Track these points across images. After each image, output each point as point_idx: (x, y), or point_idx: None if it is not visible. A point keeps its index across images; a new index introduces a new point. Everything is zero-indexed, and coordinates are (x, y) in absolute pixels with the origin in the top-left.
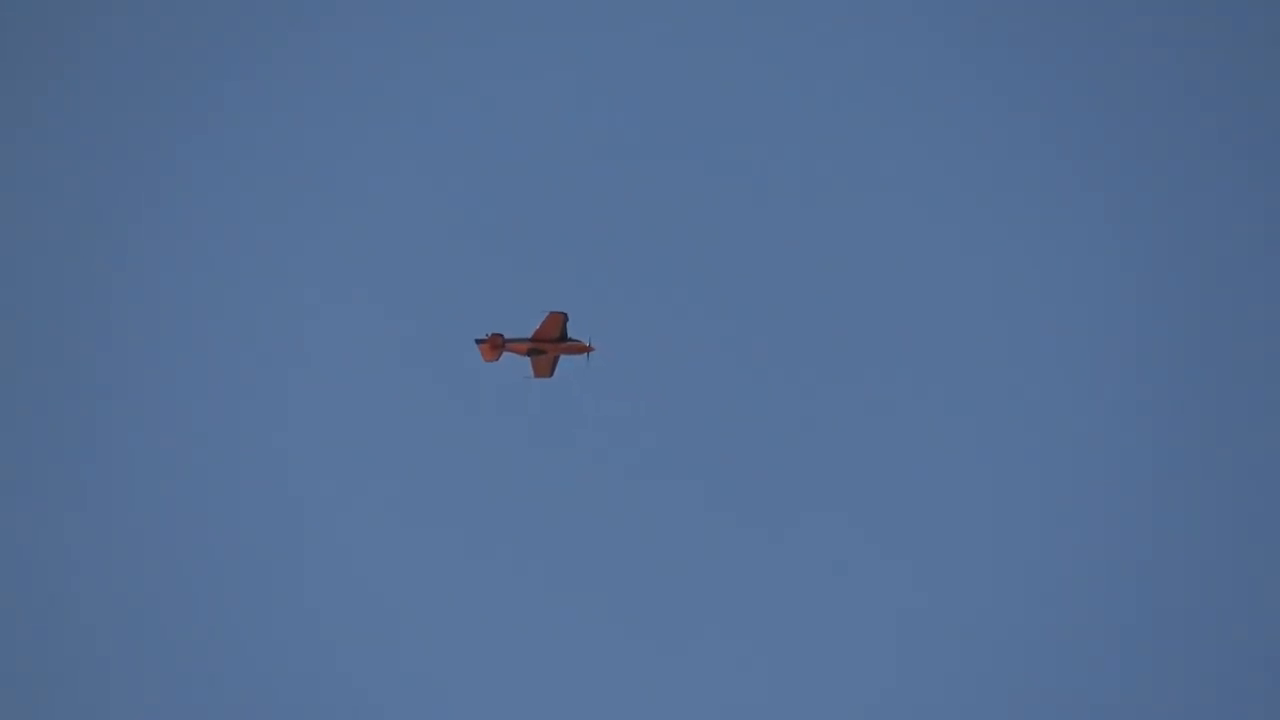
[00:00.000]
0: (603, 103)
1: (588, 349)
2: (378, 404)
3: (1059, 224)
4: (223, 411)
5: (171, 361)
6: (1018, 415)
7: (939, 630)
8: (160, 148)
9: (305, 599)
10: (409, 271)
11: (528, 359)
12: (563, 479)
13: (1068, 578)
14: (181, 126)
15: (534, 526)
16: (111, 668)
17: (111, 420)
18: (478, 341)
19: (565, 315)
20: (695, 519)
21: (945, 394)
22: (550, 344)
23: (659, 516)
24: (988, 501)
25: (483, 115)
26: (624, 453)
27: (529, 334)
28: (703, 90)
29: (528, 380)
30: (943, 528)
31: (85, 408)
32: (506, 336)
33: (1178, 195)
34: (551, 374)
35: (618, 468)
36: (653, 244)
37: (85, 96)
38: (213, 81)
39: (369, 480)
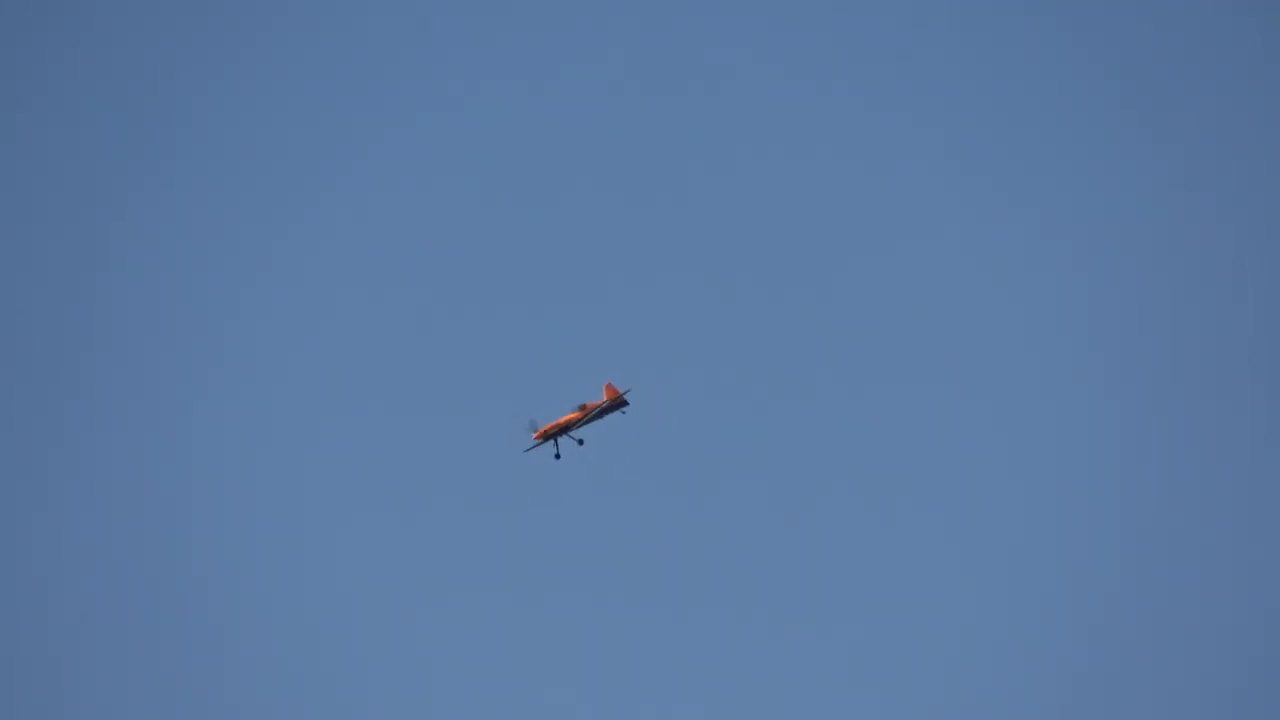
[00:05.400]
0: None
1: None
2: (376, 404)
3: (1058, 226)
4: (220, 412)
5: (171, 363)
6: (1018, 418)
7: (943, 635)
8: (165, 148)
9: (300, 599)
10: (406, 272)
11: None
12: (564, 480)
13: (1071, 579)
14: (183, 127)
15: (537, 527)
16: (108, 667)
17: (110, 421)
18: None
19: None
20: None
21: (949, 399)
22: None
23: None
24: (996, 506)
25: (483, 119)
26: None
27: (570, 412)
28: (705, 92)
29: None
30: (947, 531)
31: (83, 408)
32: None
33: (1176, 196)
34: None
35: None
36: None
37: (84, 96)
38: (213, 82)
39: (368, 480)
